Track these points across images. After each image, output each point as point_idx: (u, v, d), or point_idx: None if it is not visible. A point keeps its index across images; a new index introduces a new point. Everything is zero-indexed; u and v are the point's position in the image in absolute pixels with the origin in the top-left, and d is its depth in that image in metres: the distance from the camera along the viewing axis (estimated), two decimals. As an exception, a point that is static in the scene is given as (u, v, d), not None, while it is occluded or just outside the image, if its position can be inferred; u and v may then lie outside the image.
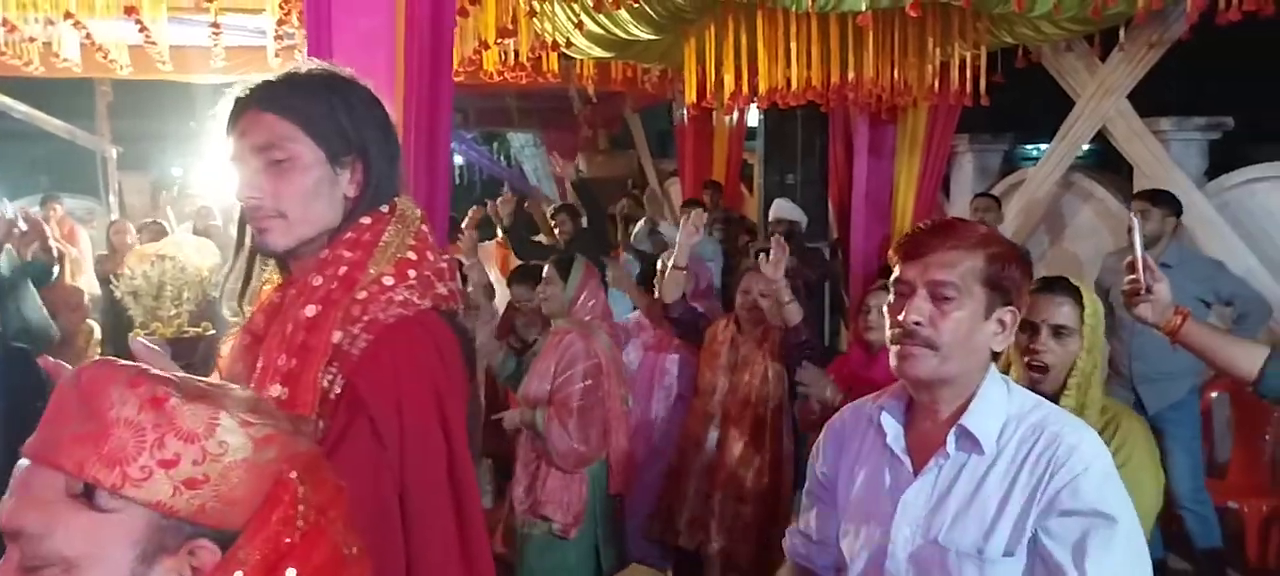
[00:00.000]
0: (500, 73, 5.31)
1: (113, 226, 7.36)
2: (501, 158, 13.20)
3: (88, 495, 0.85)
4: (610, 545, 3.85)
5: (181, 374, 0.96)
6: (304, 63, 1.45)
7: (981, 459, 1.52)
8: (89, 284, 7.07)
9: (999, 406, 1.55)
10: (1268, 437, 4.73)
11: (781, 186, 7.93)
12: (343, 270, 1.37)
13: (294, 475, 0.93)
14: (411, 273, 1.39)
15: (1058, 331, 2.15)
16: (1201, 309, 4.29)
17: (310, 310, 1.34)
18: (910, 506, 1.55)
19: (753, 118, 8.64)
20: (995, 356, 1.59)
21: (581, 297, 3.80)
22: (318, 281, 1.37)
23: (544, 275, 3.89)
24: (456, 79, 5.26)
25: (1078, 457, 1.47)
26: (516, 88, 8.68)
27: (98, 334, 6.04)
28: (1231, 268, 4.79)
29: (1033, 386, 2.00)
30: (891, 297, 1.59)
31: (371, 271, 1.37)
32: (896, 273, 1.59)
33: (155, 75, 6.55)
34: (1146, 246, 4.21)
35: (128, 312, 5.47)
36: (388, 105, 2.35)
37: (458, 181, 13.01)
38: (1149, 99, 5.59)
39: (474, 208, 7.26)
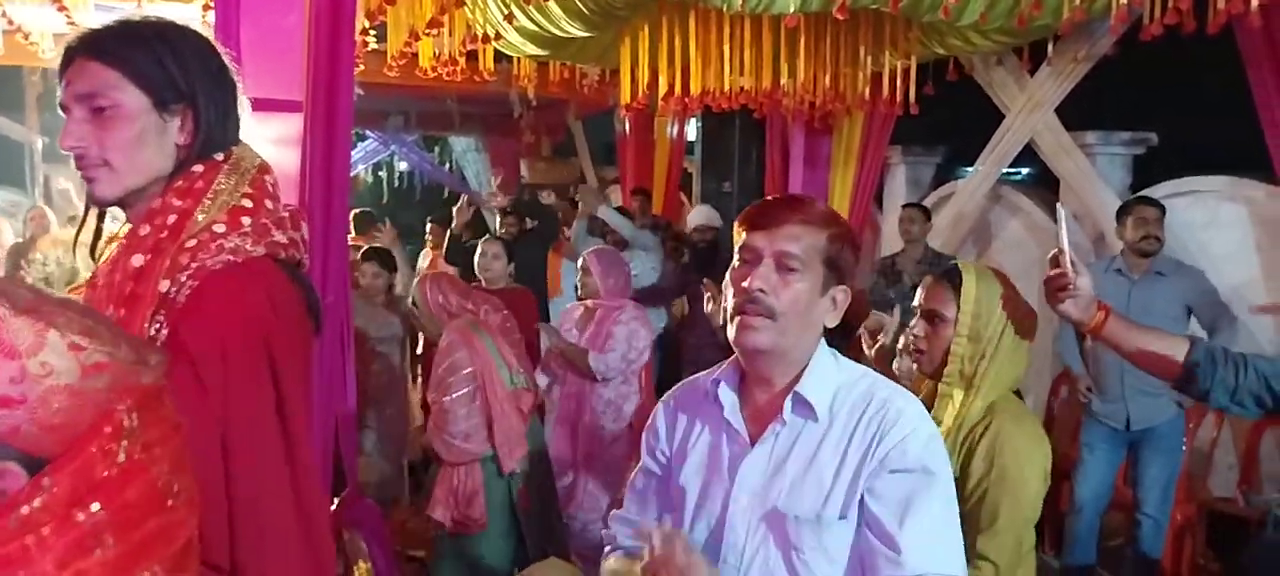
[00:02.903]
0: (435, 69, 5.27)
1: (31, 212, 7.19)
2: (444, 163, 13.10)
3: None
4: (527, 534, 3.83)
5: (24, 284, 0.91)
6: (136, 12, 1.43)
7: (816, 426, 1.56)
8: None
9: (830, 375, 1.60)
10: (1185, 448, 4.82)
11: (719, 195, 7.99)
12: (172, 219, 1.37)
13: (123, 407, 0.88)
14: (245, 220, 1.39)
15: (931, 317, 2.20)
16: (1185, 315, 4.34)
17: (138, 260, 1.35)
18: (748, 476, 1.58)
19: (692, 131, 8.72)
20: (827, 334, 1.63)
21: (439, 305, 3.80)
22: (145, 231, 1.37)
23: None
24: (390, 75, 5.28)
25: (905, 420, 1.52)
26: (458, 90, 8.65)
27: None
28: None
29: (915, 368, 2.17)
30: (736, 265, 1.62)
31: (200, 219, 1.37)
32: (743, 240, 1.61)
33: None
34: (1148, 254, 4.32)
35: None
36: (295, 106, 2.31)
37: (397, 185, 12.90)
38: (1076, 114, 5.70)
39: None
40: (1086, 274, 2.10)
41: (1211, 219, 5.19)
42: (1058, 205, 2.22)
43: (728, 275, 1.63)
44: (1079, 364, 4.46)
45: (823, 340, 1.63)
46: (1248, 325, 4.88)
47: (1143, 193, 4.88)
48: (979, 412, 2.11)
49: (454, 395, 3.60)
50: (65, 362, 0.84)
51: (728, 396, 1.64)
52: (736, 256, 1.61)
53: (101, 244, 1.53)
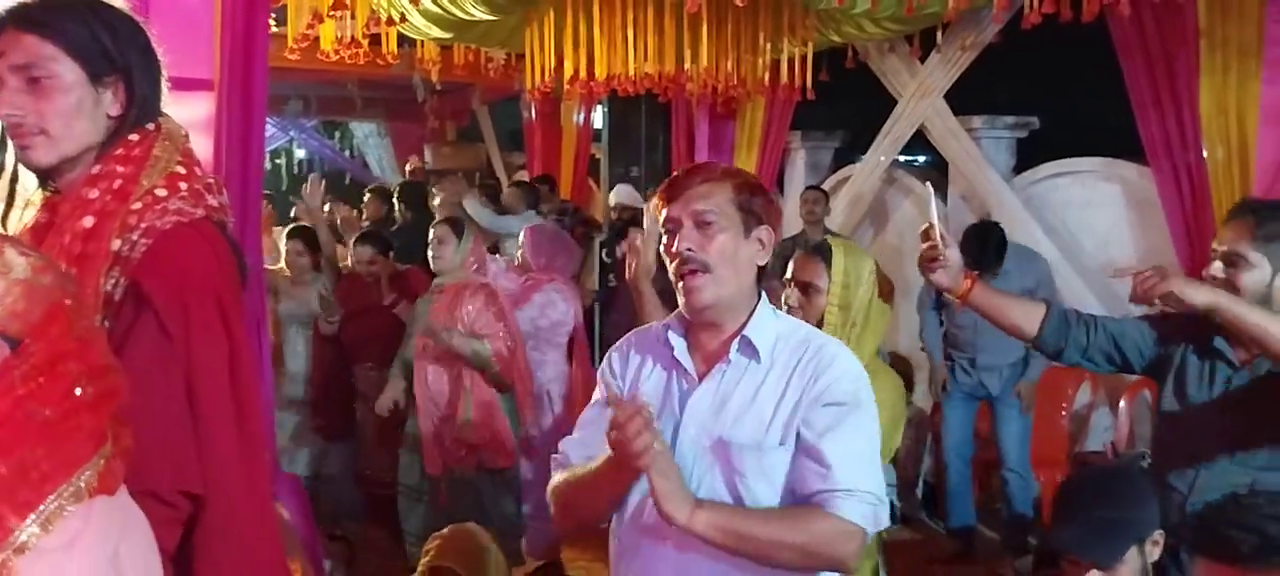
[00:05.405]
0: (338, 52, 5.22)
1: None
2: (346, 149, 12.91)
3: None
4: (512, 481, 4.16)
5: None
6: None
7: (758, 367, 1.74)
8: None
9: (771, 325, 1.78)
10: (1064, 412, 5.12)
11: (626, 179, 8.10)
12: (117, 183, 1.44)
13: (67, 302, 1.13)
14: (182, 185, 1.47)
15: (805, 288, 2.41)
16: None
17: (87, 221, 1.41)
18: (696, 408, 1.75)
19: (599, 119, 8.80)
20: (761, 272, 1.80)
21: (471, 257, 4.04)
22: (93, 194, 1.44)
23: (437, 235, 4.10)
24: (292, 58, 5.22)
25: (838, 363, 1.73)
26: (360, 75, 8.54)
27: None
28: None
29: None
30: (663, 238, 1.79)
31: (144, 183, 1.45)
32: (663, 215, 1.78)
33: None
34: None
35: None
36: (207, 94, 2.35)
37: (296, 172, 12.66)
38: (964, 99, 5.97)
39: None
40: (955, 247, 2.30)
41: (1089, 197, 5.51)
42: (927, 184, 2.42)
43: (660, 250, 1.81)
44: (939, 356, 4.81)
45: (765, 297, 1.81)
46: (1120, 298, 5.19)
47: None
48: None
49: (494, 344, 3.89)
50: (20, 262, 1.09)
51: (677, 340, 1.80)
52: (663, 230, 1.78)
53: (17, 211, 1.57)
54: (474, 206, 6.47)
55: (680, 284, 1.74)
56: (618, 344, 1.93)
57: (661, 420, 1.75)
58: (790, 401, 1.70)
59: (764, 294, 1.81)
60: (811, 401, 1.68)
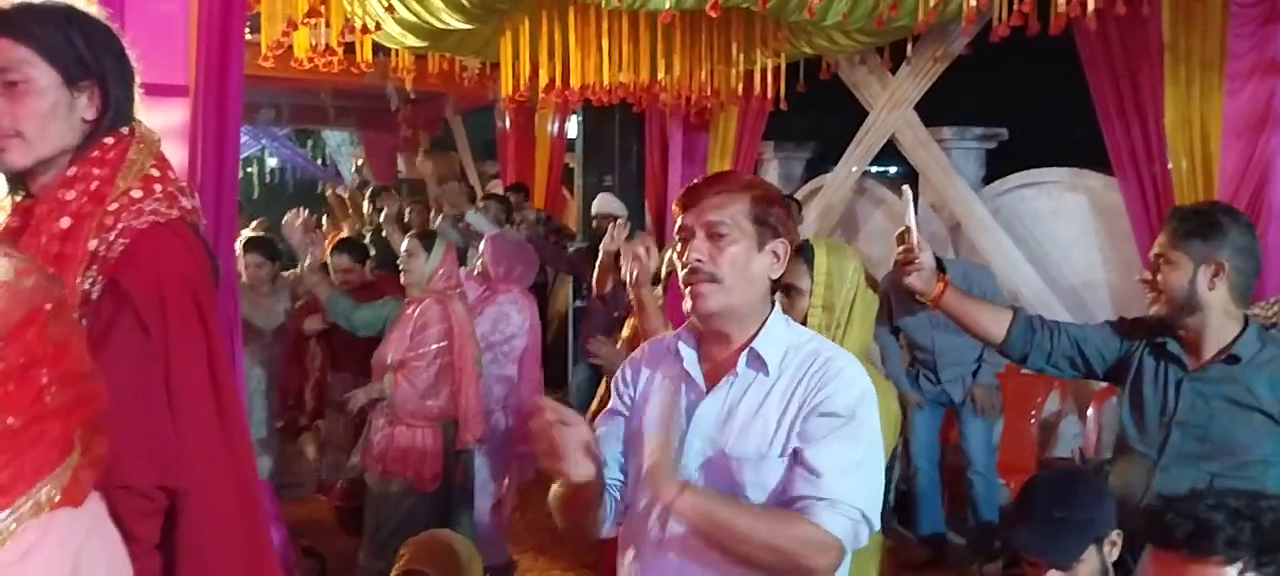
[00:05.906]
0: (311, 59, 5.22)
1: None
2: (318, 158, 12.84)
3: None
4: (461, 497, 4.13)
5: None
6: None
7: (766, 379, 1.73)
8: None
9: (782, 336, 1.77)
10: (1033, 419, 5.19)
11: (599, 189, 8.13)
12: (93, 185, 1.47)
13: (48, 307, 1.11)
14: (157, 187, 1.51)
15: (787, 289, 2.38)
16: None
17: (64, 222, 1.44)
18: (703, 420, 1.75)
19: (573, 129, 8.83)
20: (774, 286, 1.80)
21: (441, 270, 4.03)
22: (69, 196, 1.46)
23: (406, 248, 4.10)
24: (266, 65, 5.20)
25: (844, 376, 1.71)
26: (333, 83, 8.53)
27: None
28: (1003, 263, 5.38)
29: None
30: (678, 246, 1.78)
31: (120, 185, 1.47)
32: (678, 222, 1.78)
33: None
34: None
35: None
36: (182, 99, 2.37)
37: (268, 181, 12.59)
38: (934, 110, 6.05)
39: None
40: (929, 250, 2.34)
41: (1056, 207, 5.59)
42: (903, 188, 2.45)
43: (673, 254, 1.81)
44: (904, 381, 4.80)
45: (778, 307, 1.81)
46: (1086, 306, 5.28)
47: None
48: None
49: (437, 361, 3.88)
50: (3, 265, 1.09)
51: (687, 352, 1.80)
52: (678, 237, 1.78)
53: None
54: (476, 218, 6.49)
55: (688, 291, 1.75)
56: (633, 354, 1.95)
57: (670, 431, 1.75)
58: (793, 412, 1.69)
59: (777, 305, 1.81)
60: (809, 411, 1.67)
